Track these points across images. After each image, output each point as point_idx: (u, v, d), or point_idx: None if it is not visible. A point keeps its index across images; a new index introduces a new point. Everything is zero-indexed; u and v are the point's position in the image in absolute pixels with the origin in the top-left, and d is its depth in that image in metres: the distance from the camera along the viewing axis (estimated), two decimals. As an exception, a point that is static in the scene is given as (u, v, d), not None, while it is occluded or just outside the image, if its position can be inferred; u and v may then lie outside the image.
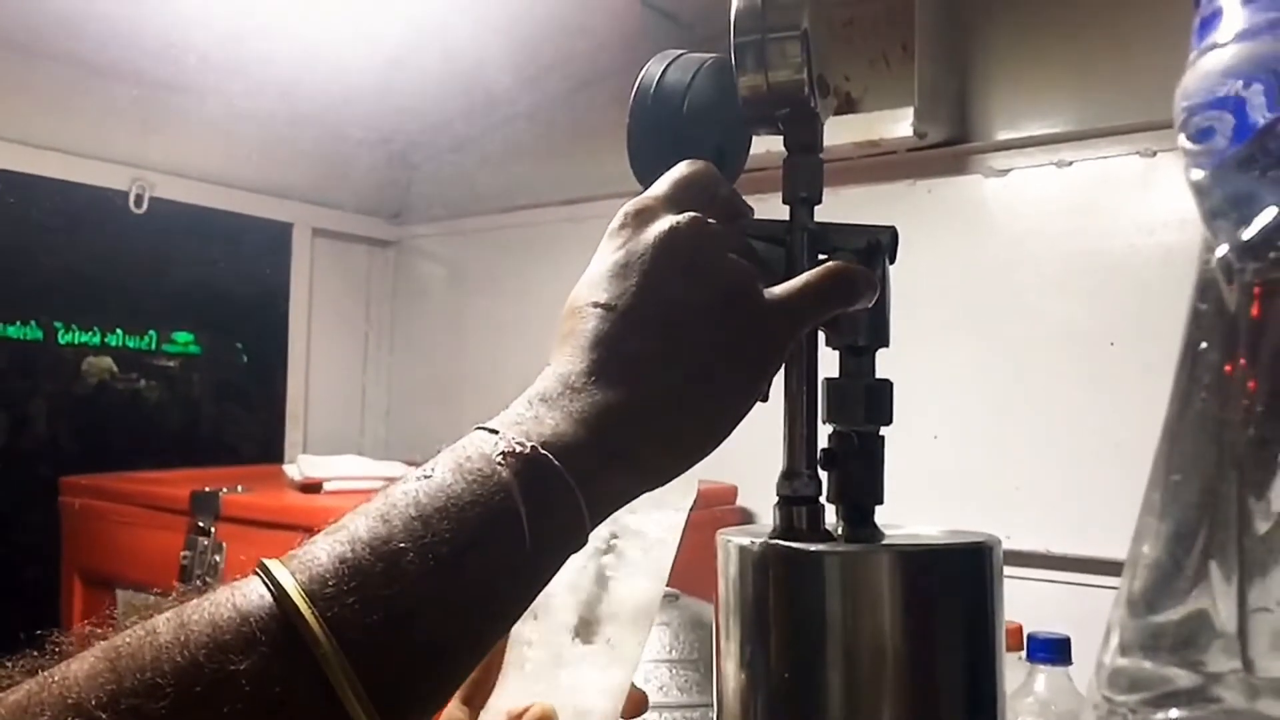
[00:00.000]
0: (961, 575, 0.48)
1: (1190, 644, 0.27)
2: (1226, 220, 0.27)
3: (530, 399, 0.44)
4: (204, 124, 1.91)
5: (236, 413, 2.48)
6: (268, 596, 0.36)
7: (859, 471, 0.51)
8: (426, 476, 0.40)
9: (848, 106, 1.65)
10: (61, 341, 2.13)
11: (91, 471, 1.82)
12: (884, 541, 0.49)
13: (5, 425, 2.09)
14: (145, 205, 1.86)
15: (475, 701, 0.65)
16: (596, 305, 0.45)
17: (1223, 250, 0.27)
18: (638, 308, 0.45)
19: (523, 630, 0.58)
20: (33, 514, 1.93)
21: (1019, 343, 1.50)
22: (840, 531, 0.51)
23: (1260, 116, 0.27)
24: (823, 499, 0.50)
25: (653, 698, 0.93)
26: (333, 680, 0.35)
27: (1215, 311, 0.28)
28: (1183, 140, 0.30)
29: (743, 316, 0.46)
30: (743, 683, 0.49)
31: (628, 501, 0.45)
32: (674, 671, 0.89)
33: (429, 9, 1.65)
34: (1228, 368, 0.27)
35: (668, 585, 0.94)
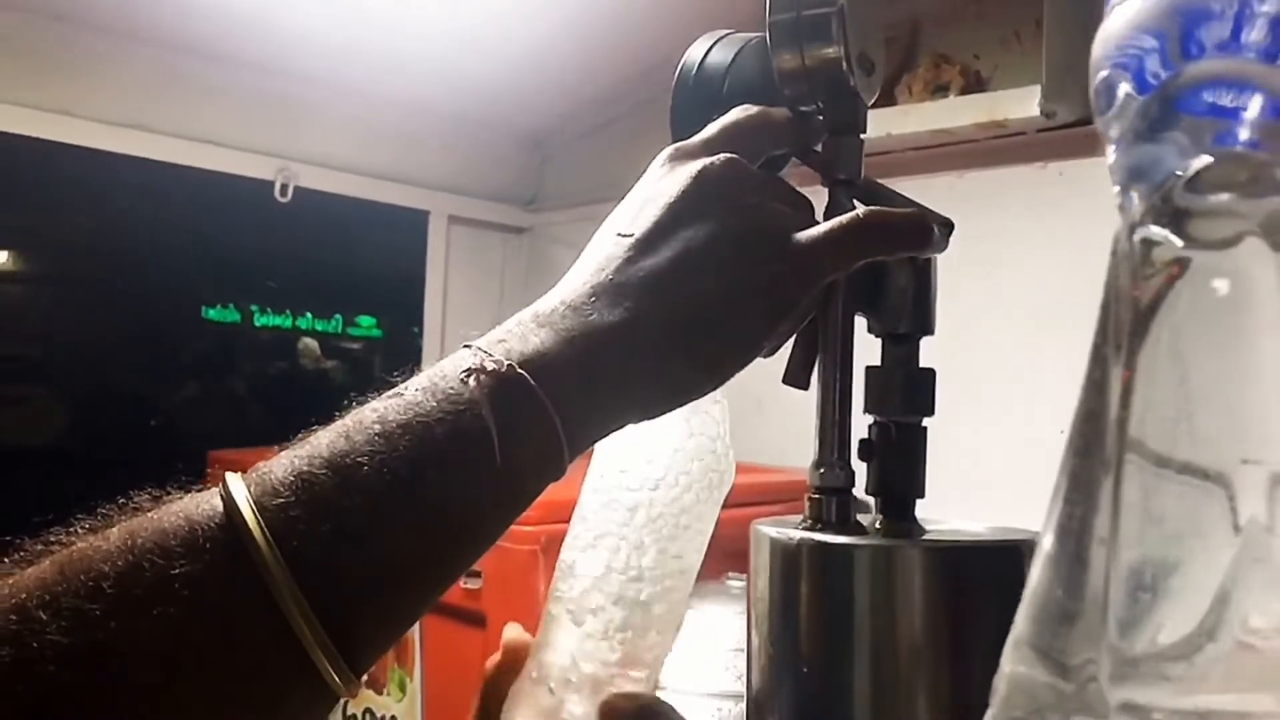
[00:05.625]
0: (994, 574, 0.45)
1: (1061, 642, 0.25)
2: (1129, 196, 0.24)
3: (523, 316, 0.43)
4: (343, 114, 1.98)
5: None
6: (219, 506, 0.36)
7: (896, 463, 0.49)
8: (399, 394, 0.40)
9: (977, 85, 1.58)
10: (257, 324, 2.26)
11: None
12: (918, 537, 0.47)
13: (205, 402, 2.23)
14: (290, 195, 1.95)
15: None
16: (614, 233, 0.45)
17: (1118, 230, 0.24)
18: (654, 235, 0.44)
19: (552, 644, 0.56)
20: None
21: (1157, 333, 1.41)
22: (878, 525, 0.49)
23: (1155, 76, 0.24)
24: (858, 490, 0.49)
25: (730, 686, 0.92)
26: (271, 587, 0.34)
27: (1112, 308, 0.25)
28: (1098, 121, 0.26)
29: (762, 258, 0.44)
30: (768, 674, 0.48)
31: (613, 431, 0.43)
32: (754, 661, 0.87)
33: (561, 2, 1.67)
34: (1113, 368, 0.24)
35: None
